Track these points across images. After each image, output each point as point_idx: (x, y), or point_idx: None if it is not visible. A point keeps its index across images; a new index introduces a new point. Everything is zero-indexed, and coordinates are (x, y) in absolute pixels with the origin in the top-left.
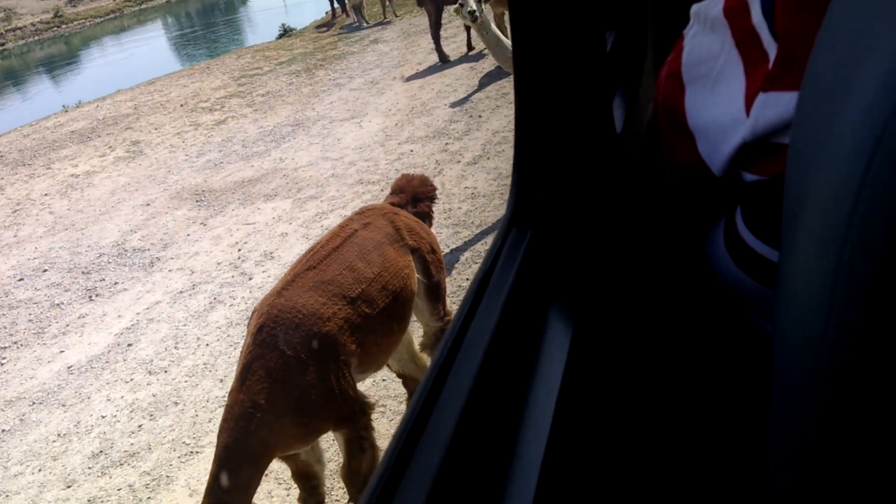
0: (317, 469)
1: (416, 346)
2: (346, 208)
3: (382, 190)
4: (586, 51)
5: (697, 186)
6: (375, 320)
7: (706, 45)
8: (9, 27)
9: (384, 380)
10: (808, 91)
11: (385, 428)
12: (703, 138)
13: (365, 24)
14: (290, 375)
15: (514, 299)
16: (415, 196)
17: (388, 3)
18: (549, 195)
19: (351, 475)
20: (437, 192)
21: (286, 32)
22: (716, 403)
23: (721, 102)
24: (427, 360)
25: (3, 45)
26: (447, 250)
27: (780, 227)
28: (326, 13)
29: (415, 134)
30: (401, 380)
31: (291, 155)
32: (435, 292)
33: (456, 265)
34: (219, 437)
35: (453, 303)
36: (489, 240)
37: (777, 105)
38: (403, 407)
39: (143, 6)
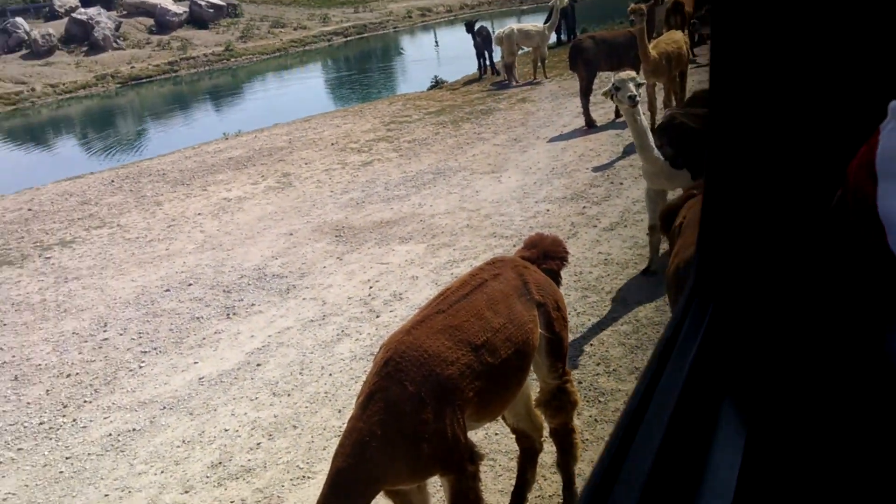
0: None
1: (533, 402)
2: (478, 259)
3: (514, 245)
4: (773, 132)
5: (883, 278)
6: (496, 370)
7: None
8: (183, 56)
9: (496, 434)
10: None
11: (492, 482)
12: (893, 231)
13: (514, 83)
14: (408, 411)
15: (694, 375)
16: (545, 253)
17: (539, 64)
18: (732, 269)
19: None
20: (568, 254)
21: (437, 84)
22: None
23: None
24: (542, 418)
25: (176, 72)
26: (573, 313)
27: None
28: (477, 70)
29: (552, 194)
30: (514, 435)
31: (430, 202)
32: (556, 350)
33: (580, 328)
34: (333, 460)
35: (570, 366)
36: (619, 309)
37: None
38: (514, 464)
39: (307, 48)
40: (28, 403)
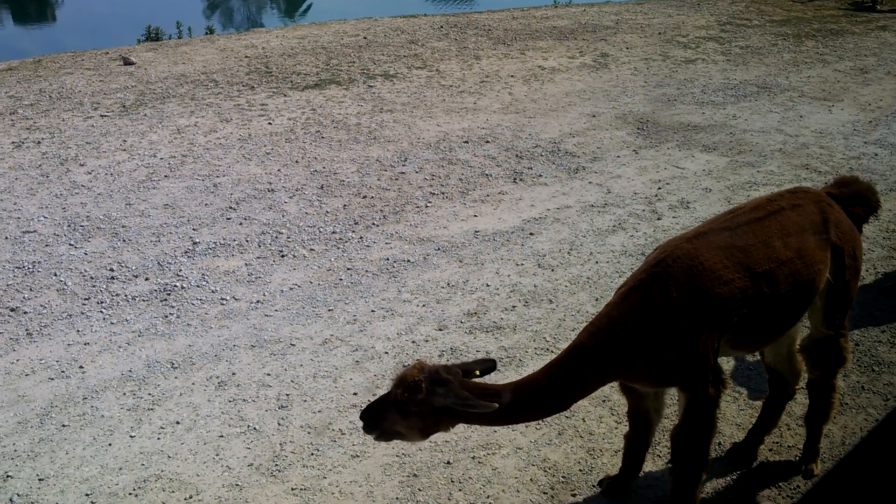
0: (652, 417)
1: (797, 345)
2: (781, 187)
3: (826, 183)
4: None
5: None
6: (769, 304)
7: None
8: None
9: (750, 368)
10: None
11: (733, 415)
12: None
13: (878, 7)
14: (664, 314)
15: None
16: (856, 196)
17: None
18: None
19: (679, 438)
20: (880, 205)
21: None
22: None
23: None
24: (802, 364)
25: None
26: (871, 270)
27: None
28: None
29: (887, 138)
30: (767, 374)
31: (746, 116)
32: (839, 299)
33: (872, 289)
34: (579, 335)
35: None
36: None
37: None
38: (759, 403)
39: None
40: (327, 212)
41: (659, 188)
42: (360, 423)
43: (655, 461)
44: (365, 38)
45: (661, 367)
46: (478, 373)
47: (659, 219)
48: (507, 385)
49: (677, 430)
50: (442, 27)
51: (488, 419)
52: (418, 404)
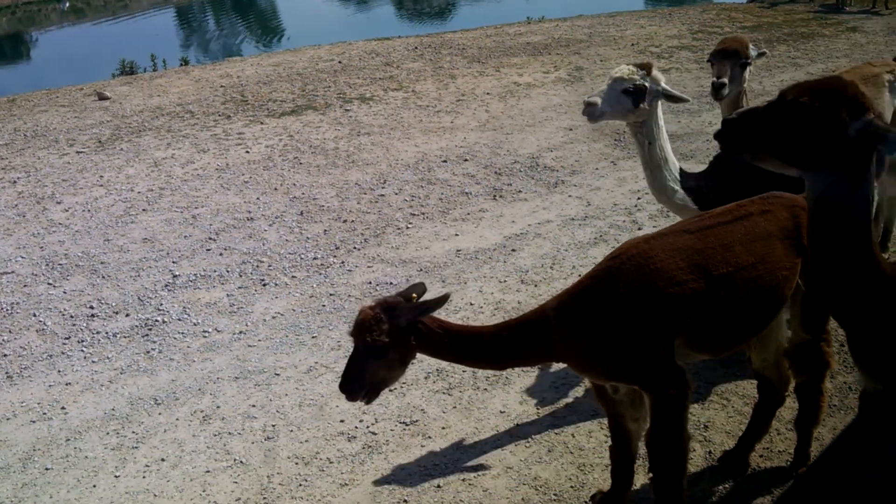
0: (629, 425)
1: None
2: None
3: None
4: None
5: None
6: (727, 308)
7: None
8: None
9: (737, 375)
10: None
11: (722, 422)
12: None
13: (846, 9)
14: (608, 309)
15: None
16: None
17: None
18: None
19: (650, 442)
20: None
21: None
22: None
23: None
24: (788, 370)
25: None
26: None
27: None
28: None
29: None
30: (756, 381)
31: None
32: (816, 304)
33: None
34: (526, 313)
35: None
36: None
37: None
38: (748, 409)
39: None
40: (307, 238)
41: (638, 198)
42: (343, 396)
43: (648, 474)
44: (340, 62)
45: (602, 363)
46: (415, 296)
47: (640, 229)
48: (453, 324)
49: (648, 434)
50: (416, 48)
51: (437, 346)
52: (388, 334)
